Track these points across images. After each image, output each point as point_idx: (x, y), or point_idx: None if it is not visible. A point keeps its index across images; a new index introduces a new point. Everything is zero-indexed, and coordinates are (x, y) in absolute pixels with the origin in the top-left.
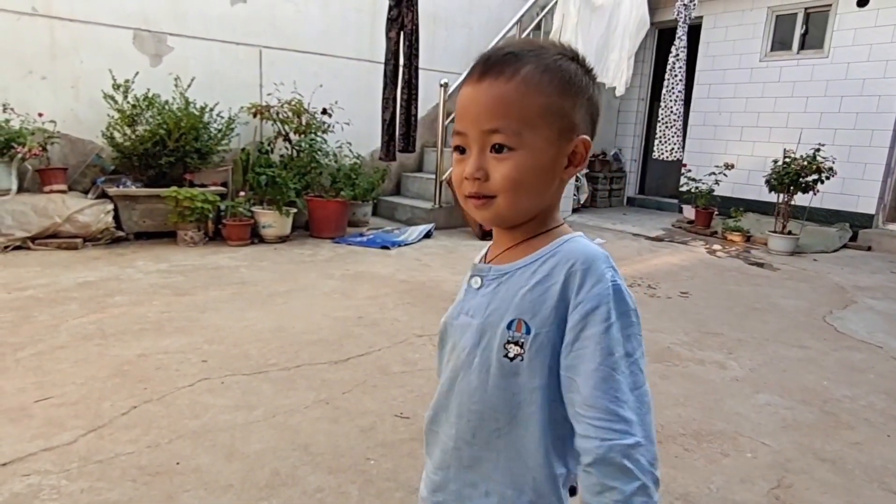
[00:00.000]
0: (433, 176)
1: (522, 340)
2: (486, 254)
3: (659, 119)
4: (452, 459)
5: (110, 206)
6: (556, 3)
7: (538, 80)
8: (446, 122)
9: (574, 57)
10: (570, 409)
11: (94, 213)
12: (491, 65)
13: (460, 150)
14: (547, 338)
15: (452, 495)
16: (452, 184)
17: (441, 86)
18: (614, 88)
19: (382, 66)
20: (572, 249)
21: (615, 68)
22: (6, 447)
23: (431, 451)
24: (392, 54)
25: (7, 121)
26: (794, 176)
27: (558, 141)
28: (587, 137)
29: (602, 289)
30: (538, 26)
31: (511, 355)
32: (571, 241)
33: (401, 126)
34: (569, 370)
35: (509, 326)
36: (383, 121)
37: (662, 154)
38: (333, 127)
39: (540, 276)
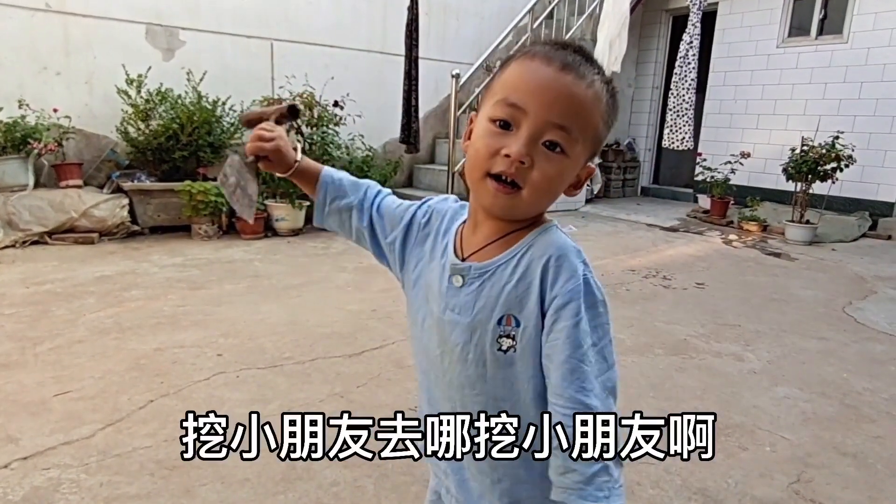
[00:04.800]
0: (445, 168)
1: (513, 333)
2: (459, 238)
3: (669, 108)
4: None
5: (125, 201)
6: None
7: (603, 100)
8: (458, 114)
9: (611, 82)
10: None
11: (109, 208)
12: (577, 61)
13: (504, 123)
14: (535, 329)
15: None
16: (472, 157)
17: (453, 77)
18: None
19: (393, 58)
20: (547, 242)
21: (616, 47)
22: (26, 441)
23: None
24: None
25: (23, 117)
26: (812, 164)
27: (585, 163)
28: (593, 166)
29: (574, 284)
30: (550, 15)
31: (504, 348)
32: (545, 231)
33: (402, 118)
34: (546, 358)
35: (499, 322)
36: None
37: (673, 143)
38: (345, 119)
39: (520, 271)
